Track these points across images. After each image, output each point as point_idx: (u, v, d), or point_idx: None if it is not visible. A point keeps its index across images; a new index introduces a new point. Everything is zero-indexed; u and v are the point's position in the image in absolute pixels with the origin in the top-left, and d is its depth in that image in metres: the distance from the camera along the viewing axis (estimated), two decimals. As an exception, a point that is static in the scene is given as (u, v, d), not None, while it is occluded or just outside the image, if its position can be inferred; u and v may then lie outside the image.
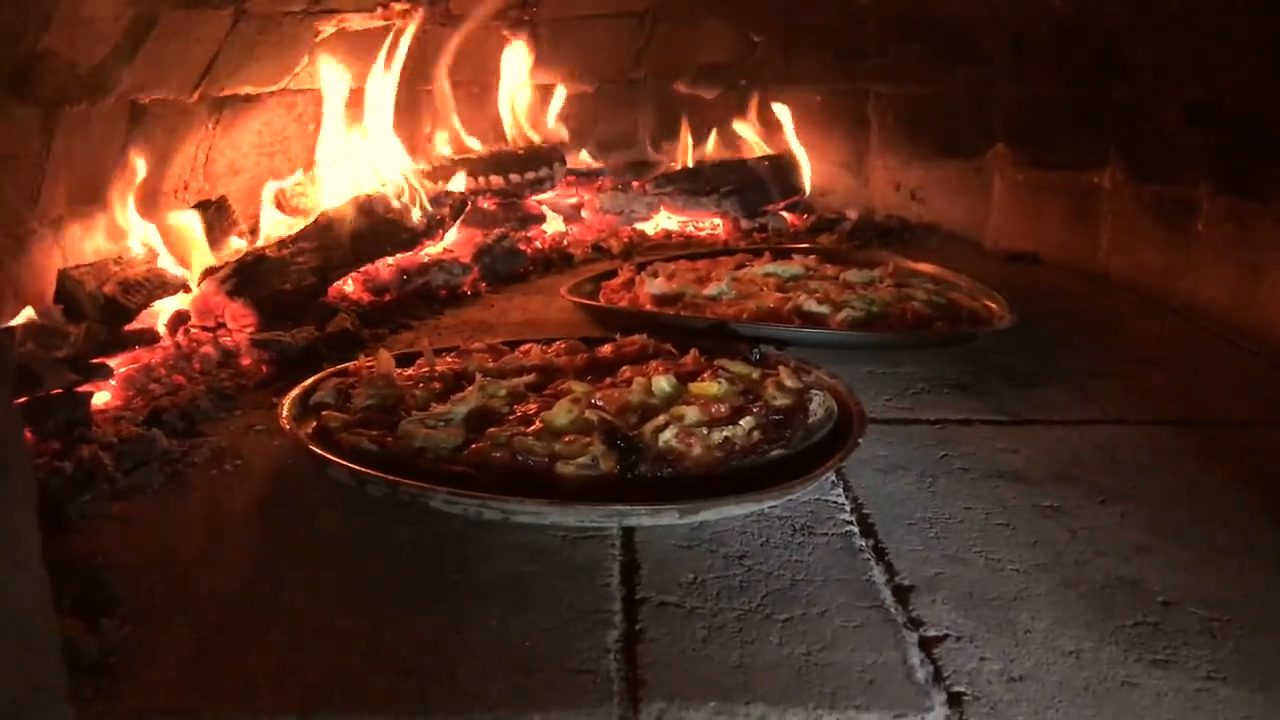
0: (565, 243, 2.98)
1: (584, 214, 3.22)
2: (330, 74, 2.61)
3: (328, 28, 2.52)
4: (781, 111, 3.35)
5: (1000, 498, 1.40)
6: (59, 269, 1.85)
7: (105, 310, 1.83)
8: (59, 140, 1.85)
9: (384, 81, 2.73)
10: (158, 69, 2.07)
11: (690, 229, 3.22)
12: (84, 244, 2.00)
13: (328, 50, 2.61)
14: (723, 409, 1.50)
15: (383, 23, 2.70)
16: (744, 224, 3.17)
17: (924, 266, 2.44)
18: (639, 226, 3.17)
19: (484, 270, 2.59)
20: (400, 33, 2.70)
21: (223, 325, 2.07)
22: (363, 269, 2.46)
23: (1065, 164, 2.71)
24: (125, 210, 2.09)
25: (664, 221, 3.23)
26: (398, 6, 2.67)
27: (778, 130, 3.38)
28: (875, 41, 3.09)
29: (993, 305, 2.17)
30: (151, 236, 2.12)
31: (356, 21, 2.60)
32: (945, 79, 2.95)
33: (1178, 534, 1.31)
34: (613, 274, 2.45)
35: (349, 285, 2.44)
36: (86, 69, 1.87)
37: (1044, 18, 2.55)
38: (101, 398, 1.71)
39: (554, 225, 3.13)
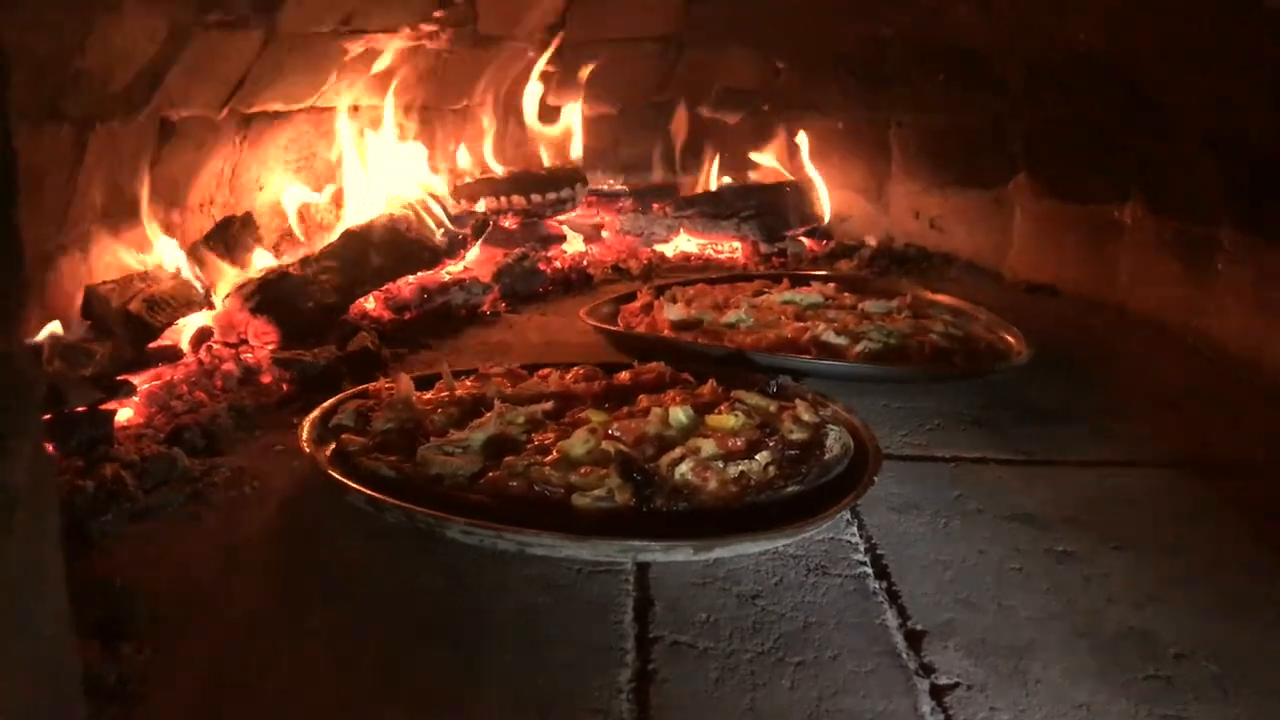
0: (585, 263, 2.99)
1: (604, 235, 3.24)
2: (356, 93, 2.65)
3: (356, 47, 2.54)
4: (801, 140, 3.37)
5: (1014, 541, 1.41)
6: (86, 285, 1.88)
7: (131, 327, 1.85)
8: (89, 156, 1.87)
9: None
10: (188, 87, 2.09)
11: (709, 252, 3.23)
12: (111, 259, 2.02)
13: (355, 70, 2.63)
14: (739, 442, 1.50)
15: (411, 43, 2.72)
16: (763, 248, 3.18)
17: (942, 298, 2.44)
18: (658, 248, 3.18)
19: (504, 290, 2.61)
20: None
21: (245, 342, 2.09)
22: (384, 286, 2.48)
23: (1086, 197, 2.71)
24: (152, 226, 2.11)
25: (683, 244, 3.24)
26: (426, 28, 2.69)
27: (798, 156, 3.40)
28: (898, 70, 3.10)
29: (1010, 339, 2.17)
30: (177, 253, 2.14)
31: (385, 42, 2.62)
32: (967, 108, 2.95)
33: (1191, 583, 1.31)
34: (632, 296, 2.46)
35: (370, 302, 2.46)
36: (118, 88, 1.89)
37: (1066, 50, 2.56)
38: (124, 414, 1.73)
39: (574, 245, 3.15)
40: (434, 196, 2.76)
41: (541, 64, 3.23)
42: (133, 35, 1.82)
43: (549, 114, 3.39)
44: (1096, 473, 1.64)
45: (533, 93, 3.28)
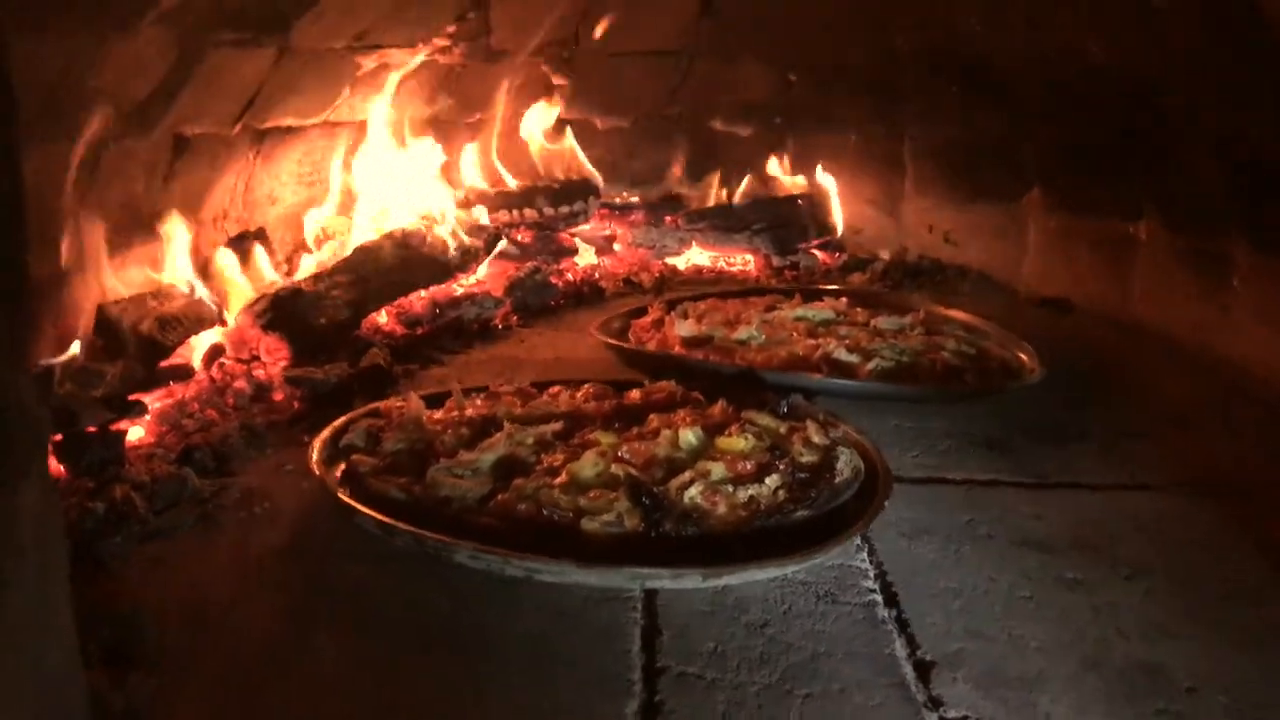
0: (596, 276, 2.99)
1: (616, 247, 3.24)
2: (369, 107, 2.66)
3: (369, 62, 2.54)
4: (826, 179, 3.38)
5: (1024, 568, 1.40)
6: (98, 304, 1.88)
7: (142, 347, 1.86)
8: (103, 174, 1.88)
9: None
10: (201, 103, 2.10)
11: (721, 264, 3.22)
12: (124, 276, 2.02)
13: (368, 84, 2.64)
14: (749, 465, 1.50)
15: (424, 58, 2.73)
16: (775, 261, 3.17)
17: (955, 313, 2.43)
18: (670, 261, 3.18)
19: (515, 303, 2.60)
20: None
21: (257, 358, 2.10)
22: (396, 301, 2.49)
23: (1100, 212, 2.69)
24: (165, 243, 2.12)
25: (695, 257, 3.24)
26: (439, 42, 2.70)
27: (811, 168, 3.40)
28: (911, 83, 3.09)
29: (1023, 356, 2.15)
30: (190, 269, 2.14)
31: (398, 56, 2.63)
32: (981, 122, 2.94)
33: (1203, 613, 1.30)
34: (643, 311, 2.46)
35: (382, 316, 2.46)
36: (131, 105, 1.90)
37: (1081, 64, 2.55)
38: (135, 433, 1.73)
39: (586, 258, 3.15)
40: (447, 210, 2.76)
41: (553, 77, 3.23)
42: (146, 54, 1.83)
43: (561, 127, 3.39)
44: (1108, 496, 1.63)
45: (544, 106, 3.28)
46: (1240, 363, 2.21)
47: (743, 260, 3.24)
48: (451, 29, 2.72)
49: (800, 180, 3.45)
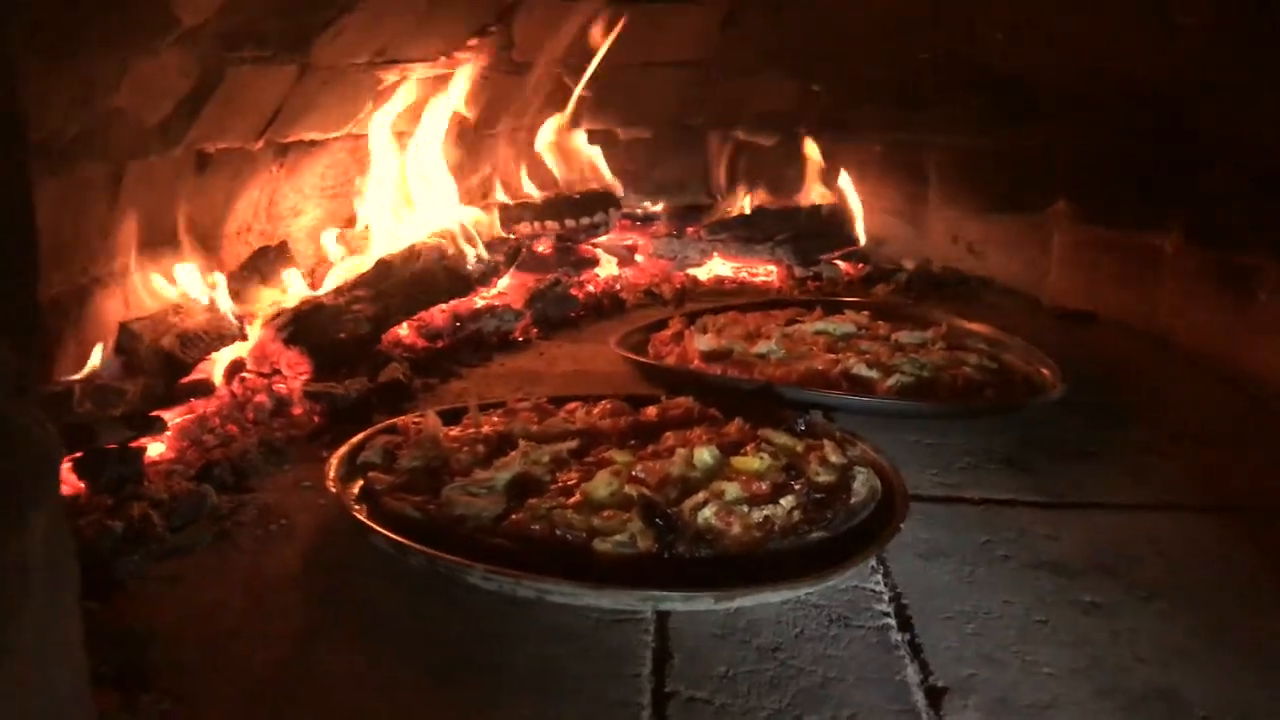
0: (618, 287, 2.99)
1: (638, 258, 3.24)
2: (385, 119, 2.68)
3: (391, 76, 2.56)
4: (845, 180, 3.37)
5: (1040, 591, 1.38)
6: (120, 322, 1.90)
7: (163, 363, 1.87)
8: (126, 190, 1.90)
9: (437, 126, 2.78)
10: (224, 120, 2.12)
11: (744, 275, 3.22)
12: (147, 291, 2.04)
13: (390, 98, 2.65)
14: (764, 486, 1.49)
15: (446, 71, 2.74)
16: (798, 272, 3.16)
17: (978, 326, 2.42)
18: (692, 272, 3.17)
19: (536, 316, 2.61)
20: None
21: (278, 372, 2.11)
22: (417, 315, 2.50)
23: (1126, 224, 2.67)
24: (188, 258, 2.14)
25: (717, 267, 3.23)
26: (461, 56, 2.71)
27: (835, 178, 3.39)
28: (935, 94, 3.08)
29: (1046, 371, 2.13)
30: (213, 284, 2.16)
31: (420, 70, 2.64)
32: (1006, 133, 2.92)
33: (1222, 639, 1.28)
34: (663, 324, 2.45)
35: (403, 329, 2.47)
36: (154, 123, 1.92)
37: (1105, 76, 2.53)
38: (155, 449, 1.74)
39: (607, 269, 3.15)
40: (469, 222, 2.77)
41: (578, 89, 3.24)
42: (168, 73, 1.85)
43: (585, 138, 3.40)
44: (1128, 517, 1.61)
45: (566, 117, 3.29)
46: (1266, 377, 2.18)
47: (765, 271, 3.23)
48: (473, 42, 2.73)
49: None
